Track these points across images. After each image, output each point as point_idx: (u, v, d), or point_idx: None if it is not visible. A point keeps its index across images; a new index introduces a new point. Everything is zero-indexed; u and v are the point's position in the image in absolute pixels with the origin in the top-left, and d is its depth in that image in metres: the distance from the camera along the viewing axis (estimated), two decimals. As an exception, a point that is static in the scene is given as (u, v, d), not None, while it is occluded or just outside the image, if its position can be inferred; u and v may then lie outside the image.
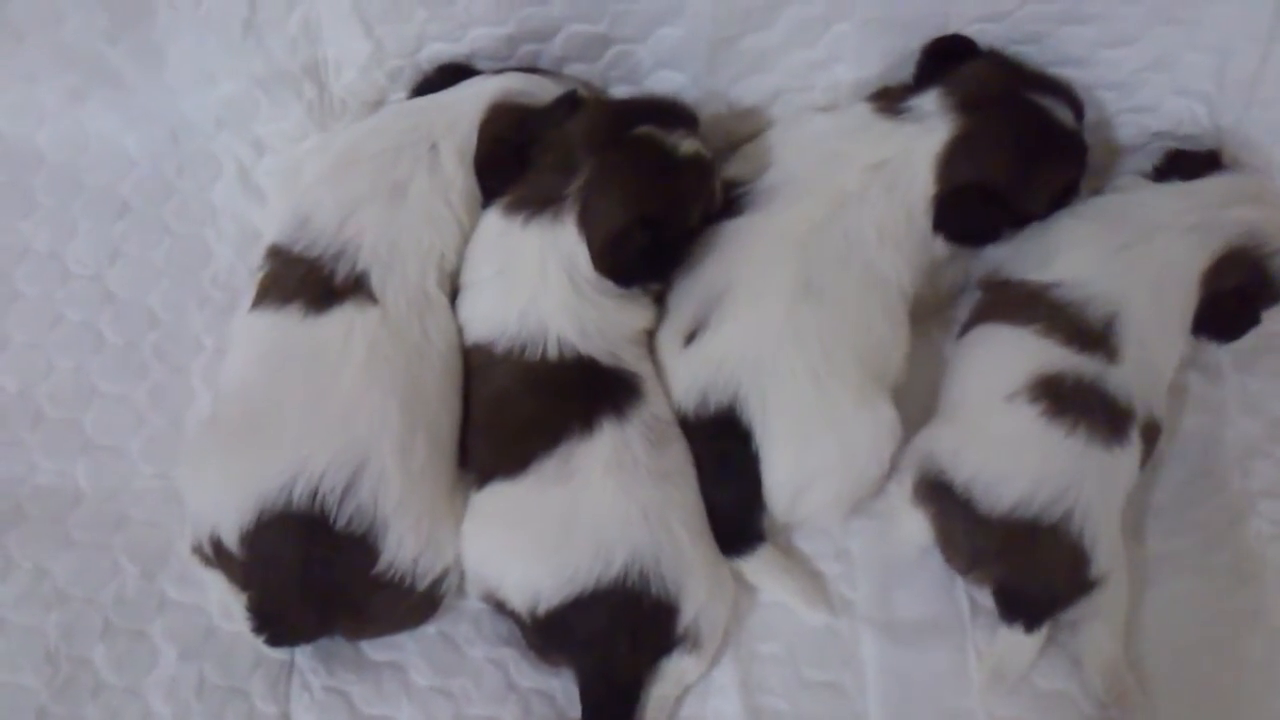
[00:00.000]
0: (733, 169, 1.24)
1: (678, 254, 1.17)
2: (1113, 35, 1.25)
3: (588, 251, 1.12)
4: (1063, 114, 1.21)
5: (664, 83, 1.28)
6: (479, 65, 1.26)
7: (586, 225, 1.12)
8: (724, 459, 1.14)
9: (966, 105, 1.19)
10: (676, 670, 1.08)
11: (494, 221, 1.16)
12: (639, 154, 1.13)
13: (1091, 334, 1.14)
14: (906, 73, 1.26)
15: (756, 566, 1.15)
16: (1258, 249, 1.19)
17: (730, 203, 1.20)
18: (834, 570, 1.17)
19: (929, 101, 1.20)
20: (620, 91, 1.30)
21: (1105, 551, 1.10)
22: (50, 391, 1.23)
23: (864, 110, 1.24)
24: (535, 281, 1.12)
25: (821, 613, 1.14)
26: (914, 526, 1.16)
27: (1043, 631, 1.11)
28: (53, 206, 1.32)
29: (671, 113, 1.17)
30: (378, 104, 1.28)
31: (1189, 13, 1.22)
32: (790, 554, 1.17)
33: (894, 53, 1.25)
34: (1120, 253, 1.18)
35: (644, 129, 1.14)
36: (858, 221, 1.17)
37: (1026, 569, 1.11)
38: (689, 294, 1.18)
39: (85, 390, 1.23)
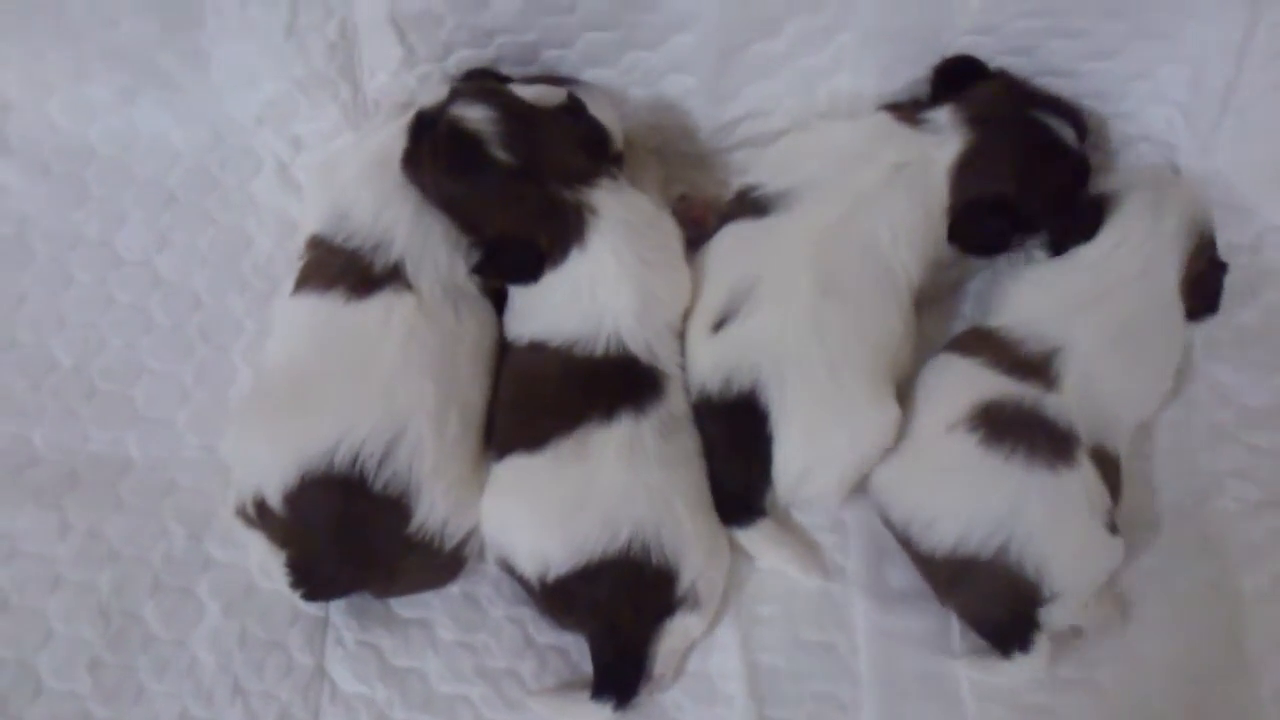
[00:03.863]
0: (756, 173, 1.31)
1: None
2: (1096, 48, 1.31)
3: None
4: (1065, 132, 1.28)
5: (675, 86, 1.35)
6: (504, 70, 1.33)
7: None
8: (739, 437, 1.20)
9: (976, 120, 1.26)
10: (681, 628, 1.16)
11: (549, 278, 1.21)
12: (554, 127, 1.22)
13: (1030, 364, 1.19)
14: (904, 81, 1.33)
15: (755, 537, 1.22)
16: (1204, 234, 1.26)
17: (754, 203, 1.27)
18: (829, 540, 1.24)
19: (943, 115, 1.27)
20: (637, 94, 1.37)
21: (1060, 571, 1.12)
22: (103, 367, 1.30)
23: (884, 118, 1.30)
24: (610, 283, 1.19)
25: (816, 577, 1.21)
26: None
27: (1042, 648, 1.14)
28: (104, 197, 1.38)
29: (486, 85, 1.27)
30: (407, 105, 1.34)
31: (1168, 28, 1.28)
32: (788, 526, 1.25)
33: (892, 62, 1.32)
34: (1081, 311, 1.21)
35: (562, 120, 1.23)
36: (873, 222, 1.23)
37: (975, 602, 1.16)
38: (719, 287, 1.24)
39: (135, 367, 1.30)
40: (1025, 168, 1.26)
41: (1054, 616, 1.15)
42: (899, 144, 1.27)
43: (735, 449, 1.21)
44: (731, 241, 1.27)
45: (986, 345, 1.22)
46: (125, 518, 1.22)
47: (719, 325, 1.22)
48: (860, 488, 1.25)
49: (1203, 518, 1.24)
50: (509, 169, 1.19)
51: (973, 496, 1.15)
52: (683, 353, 1.24)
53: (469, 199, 1.21)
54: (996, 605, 1.15)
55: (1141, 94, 1.35)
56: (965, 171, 1.25)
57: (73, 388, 1.29)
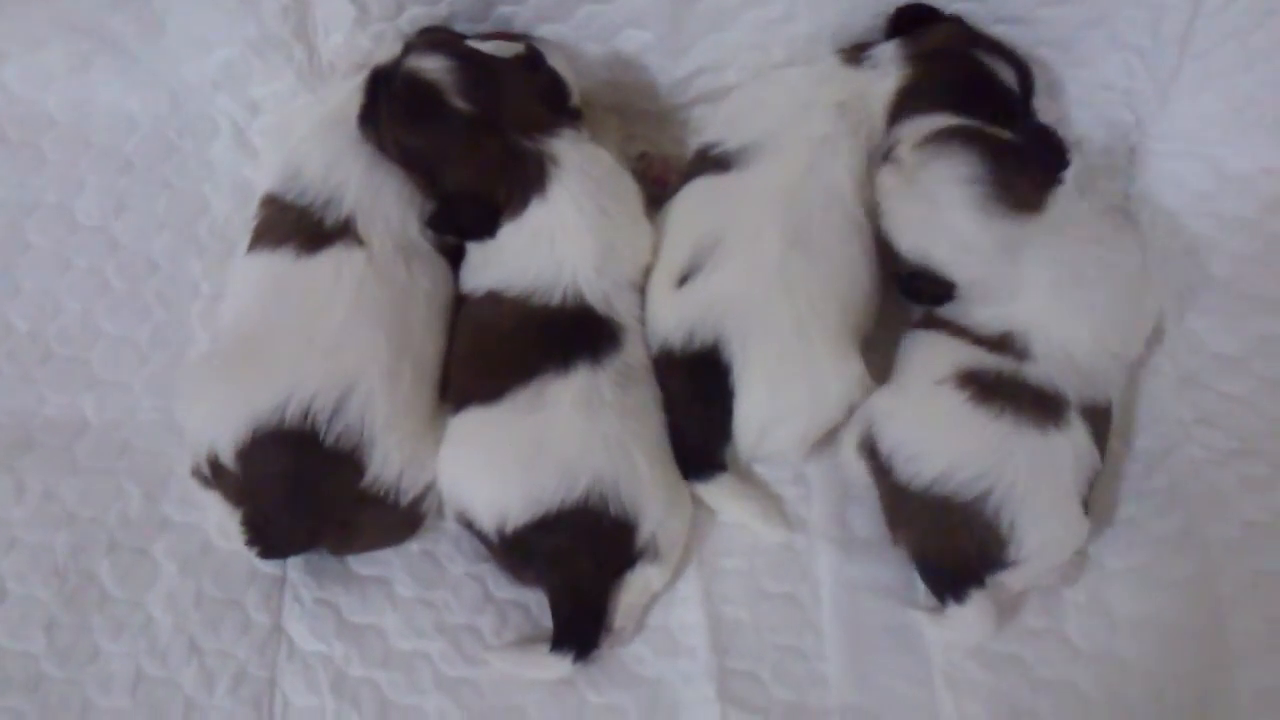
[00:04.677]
0: (712, 130, 1.30)
1: None
2: (1052, -8, 1.30)
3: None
4: (1004, 74, 1.27)
5: (630, 41, 1.35)
6: (457, 27, 1.33)
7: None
8: (701, 392, 1.20)
9: (916, 57, 1.26)
10: (641, 579, 1.15)
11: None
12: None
13: (993, 342, 1.18)
14: (861, 29, 1.33)
15: (715, 491, 1.21)
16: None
17: (716, 160, 1.26)
18: (792, 493, 1.24)
19: (887, 51, 1.27)
20: (593, 50, 1.36)
21: (1033, 533, 1.11)
22: (59, 331, 1.30)
23: (832, 61, 1.31)
24: (570, 233, 1.18)
25: (778, 532, 1.21)
26: (855, 472, 1.21)
27: (983, 608, 1.13)
28: (61, 163, 1.38)
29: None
30: (363, 66, 1.32)
31: (1124, -30, 1.28)
32: (749, 480, 1.24)
33: (847, 11, 1.32)
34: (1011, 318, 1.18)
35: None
36: (833, 167, 1.23)
37: (936, 541, 1.15)
38: (682, 243, 1.23)
39: (92, 330, 1.30)
40: (957, 102, 1.24)
41: (1008, 580, 1.15)
42: (840, 83, 1.27)
43: (696, 403, 1.20)
44: (695, 197, 1.26)
45: (945, 325, 1.21)
46: (81, 479, 1.22)
47: (683, 281, 1.21)
48: (823, 442, 1.24)
49: (1171, 466, 1.23)
50: (469, 118, 1.18)
51: (964, 441, 1.13)
52: (642, 307, 1.24)
53: (429, 150, 1.20)
54: (955, 548, 1.14)
55: (1099, 41, 1.34)
56: (899, 107, 1.25)
57: (29, 352, 1.29)
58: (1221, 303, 1.31)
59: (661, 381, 1.22)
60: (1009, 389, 1.14)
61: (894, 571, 1.19)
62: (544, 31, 1.35)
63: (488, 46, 1.25)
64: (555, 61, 1.26)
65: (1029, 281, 1.17)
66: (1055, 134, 1.23)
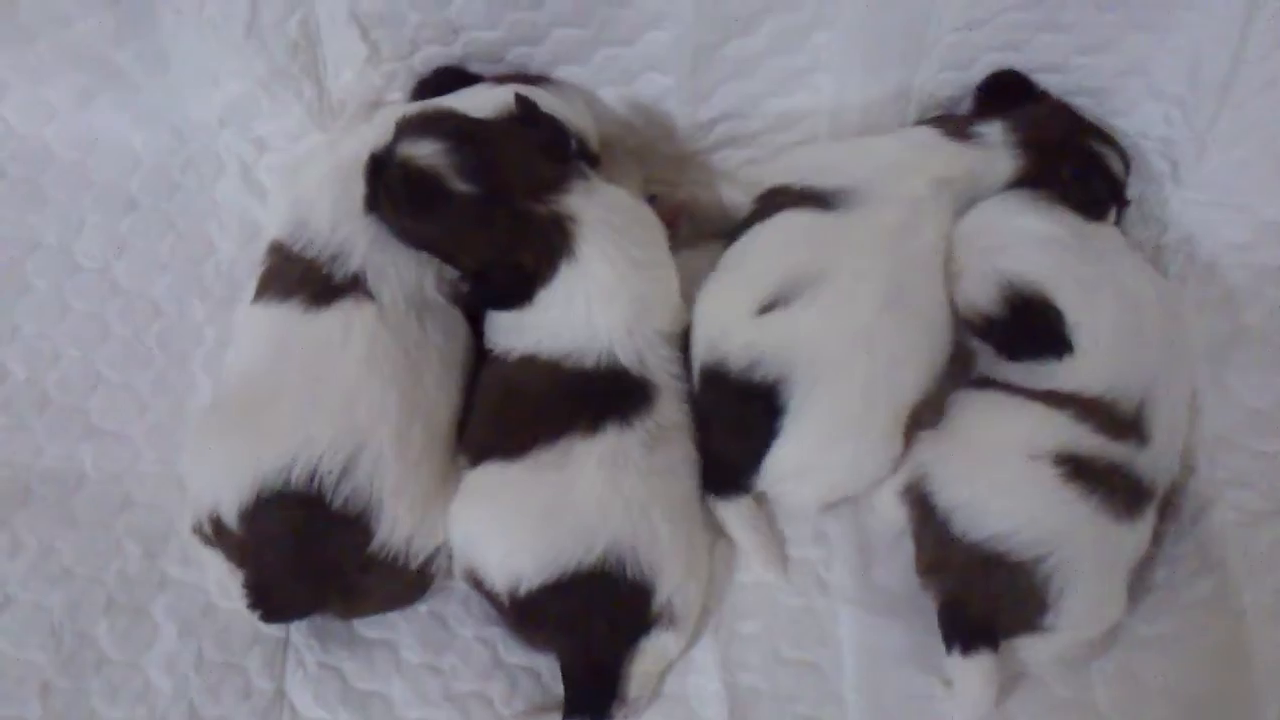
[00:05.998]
0: (791, 173, 1.28)
1: None
2: (1088, 41, 1.27)
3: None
4: (1116, 165, 1.27)
5: (651, 86, 1.32)
6: (472, 68, 1.30)
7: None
8: (747, 420, 1.17)
9: (1032, 143, 1.25)
10: (657, 647, 1.12)
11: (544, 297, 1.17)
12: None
13: (1125, 423, 1.16)
14: (890, 81, 1.30)
15: (731, 512, 1.19)
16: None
17: (804, 195, 1.24)
18: (813, 554, 1.20)
19: (996, 133, 1.26)
20: (611, 93, 1.33)
21: (1076, 606, 1.10)
22: (58, 378, 1.26)
23: (929, 131, 1.28)
24: (604, 294, 1.15)
25: (775, 573, 1.18)
26: (891, 516, 1.19)
27: (988, 670, 1.11)
28: (62, 202, 1.35)
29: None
30: (374, 104, 1.31)
31: (1160, 18, 1.25)
32: (763, 514, 1.21)
33: (875, 61, 1.29)
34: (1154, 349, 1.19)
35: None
36: (928, 232, 1.22)
37: (972, 590, 1.12)
38: (770, 270, 1.20)
39: (91, 378, 1.26)
40: (1081, 200, 1.24)
41: (1028, 650, 1.13)
42: (945, 158, 1.25)
43: (739, 427, 1.18)
44: (791, 228, 1.23)
45: (1070, 402, 1.17)
46: (79, 535, 1.18)
47: (765, 309, 1.18)
48: (843, 502, 1.22)
49: (1203, 530, 1.19)
50: (474, 198, 1.13)
51: (1034, 508, 1.11)
52: (676, 360, 1.21)
53: (441, 238, 1.17)
54: (989, 600, 1.11)
55: (1136, 90, 1.31)
56: None
57: (26, 399, 1.25)
58: (1257, 355, 1.27)
59: (704, 396, 1.20)
60: (1111, 478, 1.13)
61: (918, 637, 1.16)
62: (561, 74, 1.31)
63: (473, 100, 1.22)
64: (572, 105, 1.24)
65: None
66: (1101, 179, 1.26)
